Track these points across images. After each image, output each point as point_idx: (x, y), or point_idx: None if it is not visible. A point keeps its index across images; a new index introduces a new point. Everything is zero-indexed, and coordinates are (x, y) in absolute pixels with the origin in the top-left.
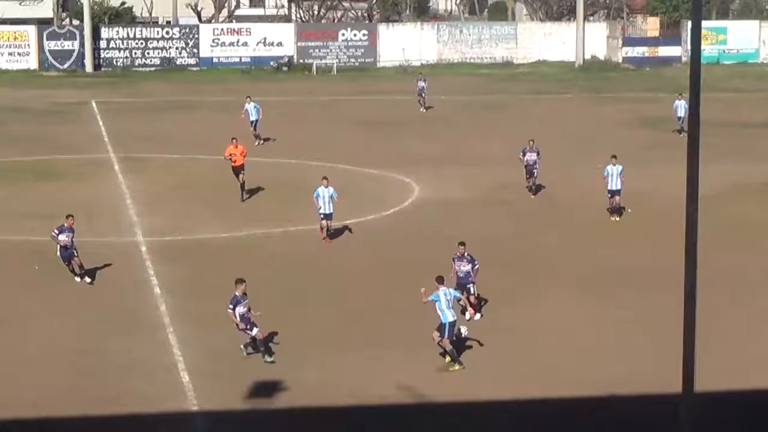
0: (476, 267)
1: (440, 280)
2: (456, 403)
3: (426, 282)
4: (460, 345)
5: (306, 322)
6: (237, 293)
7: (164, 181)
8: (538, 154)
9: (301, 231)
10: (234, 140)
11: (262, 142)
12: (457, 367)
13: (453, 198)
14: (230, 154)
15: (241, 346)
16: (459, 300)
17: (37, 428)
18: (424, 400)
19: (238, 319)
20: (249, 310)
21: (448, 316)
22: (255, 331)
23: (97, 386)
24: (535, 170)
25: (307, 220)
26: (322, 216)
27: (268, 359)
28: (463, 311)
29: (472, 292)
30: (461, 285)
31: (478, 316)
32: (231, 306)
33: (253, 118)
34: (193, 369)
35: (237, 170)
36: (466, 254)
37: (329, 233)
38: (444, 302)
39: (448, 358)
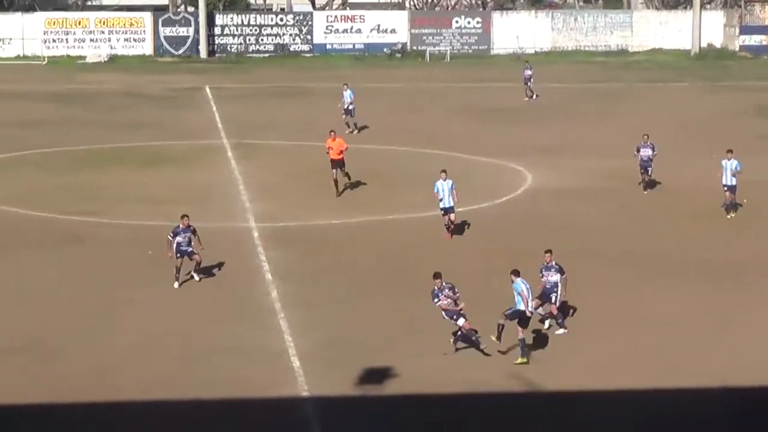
0: (564, 277)
1: (516, 273)
2: (565, 392)
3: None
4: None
5: (416, 309)
6: (435, 288)
7: (277, 167)
8: (653, 149)
9: (412, 218)
10: (332, 133)
11: (356, 131)
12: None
13: (566, 187)
14: (329, 147)
15: (451, 341)
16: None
17: (148, 412)
18: (533, 389)
19: (443, 313)
20: (455, 301)
21: (522, 303)
22: (461, 321)
23: (208, 371)
24: (649, 167)
25: (419, 208)
26: (442, 211)
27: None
28: (543, 320)
29: (553, 301)
30: (546, 295)
31: (561, 331)
32: (436, 301)
33: (347, 106)
34: (304, 355)
35: (334, 164)
36: (553, 263)
37: (452, 227)
38: (525, 292)
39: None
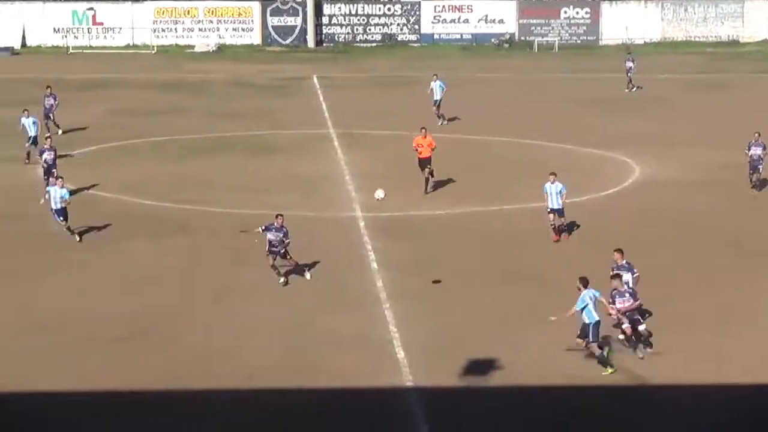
0: (636, 275)
1: (585, 282)
2: (672, 386)
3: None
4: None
5: (521, 300)
6: (613, 290)
7: (383, 157)
8: (764, 148)
9: (517, 209)
10: (423, 130)
11: (445, 122)
12: (609, 371)
13: (674, 179)
14: (418, 145)
15: (643, 349)
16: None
17: (254, 399)
18: (639, 382)
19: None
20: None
21: (594, 316)
22: (642, 327)
23: (312, 359)
24: (759, 165)
25: (524, 199)
26: (549, 210)
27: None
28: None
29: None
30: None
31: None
32: (611, 302)
33: (436, 97)
34: (409, 345)
35: (423, 162)
36: (624, 262)
37: (560, 229)
38: (591, 305)
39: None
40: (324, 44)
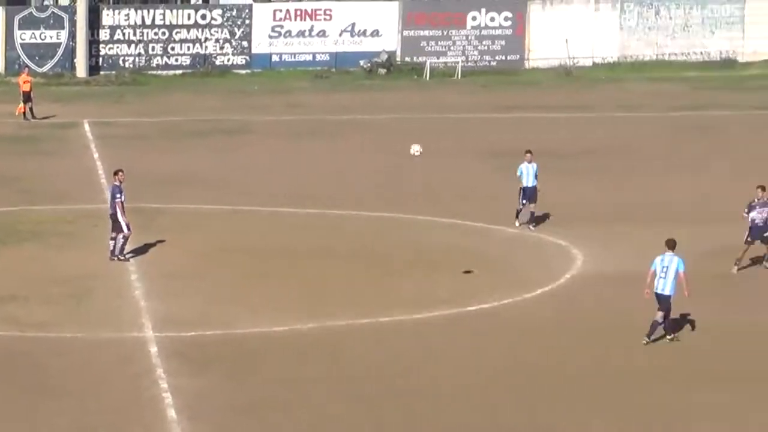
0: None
1: (671, 245)
2: None
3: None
4: None
5: None
6: None
7: (193, 245)
8: None
9: (398, 324)
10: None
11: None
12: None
13: (635, 273)
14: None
15: None
16: None
17: None
18: None
19: None
20: None
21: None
22: None
23: None
24: (767, 233)
25: (410, 307)
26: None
27: None
28: None
29: None
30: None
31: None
32: None
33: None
34: None
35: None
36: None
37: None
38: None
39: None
40: (102, 72)
